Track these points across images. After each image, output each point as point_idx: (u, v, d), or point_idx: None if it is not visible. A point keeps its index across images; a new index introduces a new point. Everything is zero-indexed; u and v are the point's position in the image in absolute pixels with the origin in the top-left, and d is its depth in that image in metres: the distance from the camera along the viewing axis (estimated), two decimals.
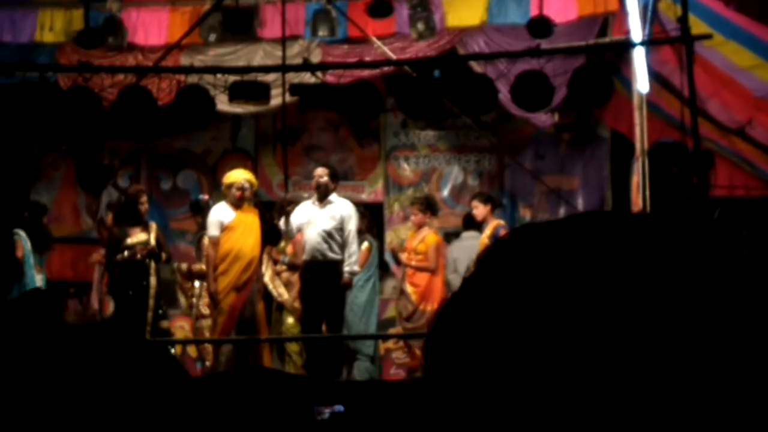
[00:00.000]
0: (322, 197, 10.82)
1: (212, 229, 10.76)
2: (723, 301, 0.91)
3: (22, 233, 11.22)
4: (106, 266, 10.91)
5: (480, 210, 11.31)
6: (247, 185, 10.85)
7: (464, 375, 0.93)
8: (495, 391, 0.90)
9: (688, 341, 0.88)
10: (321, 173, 10.92)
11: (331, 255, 10.63)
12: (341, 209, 10.76)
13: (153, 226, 10.86)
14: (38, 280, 11.17)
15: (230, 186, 10.87)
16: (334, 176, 10.98)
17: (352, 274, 10.72)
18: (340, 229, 10.67)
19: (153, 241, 10.67)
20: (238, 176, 11.00)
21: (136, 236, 10.66)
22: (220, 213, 10.80)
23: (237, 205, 10.80)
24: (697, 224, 0.97)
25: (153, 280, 10.63)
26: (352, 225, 10.72)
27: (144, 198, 10.92)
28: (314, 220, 10.71)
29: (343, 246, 10.64)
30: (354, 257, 10.73)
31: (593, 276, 0.90)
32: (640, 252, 0.92)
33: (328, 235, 10.64)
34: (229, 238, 10.70)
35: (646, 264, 0.91)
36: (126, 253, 10.57)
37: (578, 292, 0.90)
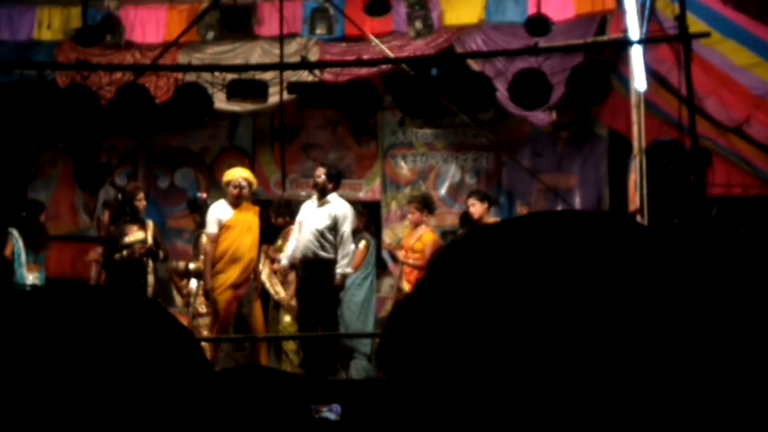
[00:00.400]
0: (320, 196, 10.80)
1: (211, 227, 10.76)
2: (661, 301, 0.91)
3: (14, 232, 11.22)
4: (104, 265, 10.91)
5: (476, 208, 11.29)
6: (244, 183, 10.84)
7: (410, 376, 0.93)
8: (438, 391, 0.91)
9: (628, 342, 0.88)
10: (319, 173, 10.90)
11: (322, 254, 10.58)
12: (336, 209, 10.71)
13: (150, 224, 10.86)
14: (33, 278, 11.17)
15: (228, 183, 10.87)
16: (332, 176, 10.91)
17: (344, 275, 10.68)
18: (334, 229, 10.62)
19: (150, 240, 10.67)
20: (236, 174, 10.99)
21: (134, 234, 10.66)
22: (219, 211, 10.80)
23: (235, 203, 10.79)
24: (650, 226, 0.98)
25: (151, 279, 10.65)
26: (346, 226, 10.66)
27: (141, 195, 10.91)
28: (310, 218, 10.69)
29: (336, 246, 10.62)
30: (346, 259, 10.68)
31: (538, 278, 0.91)
32: (584, 253, 0.92)
33: (321, 235, 10.59)
34: (226, 237, 10.71)
35: (589, 265, 0.91)
36: (124, 252, 10.58)
37: (523, 293, 0.90)
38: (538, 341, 0.89)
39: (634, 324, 0.89)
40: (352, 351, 11.55)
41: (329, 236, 10.60)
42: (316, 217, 10.67)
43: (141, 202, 10.84)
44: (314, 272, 10.58)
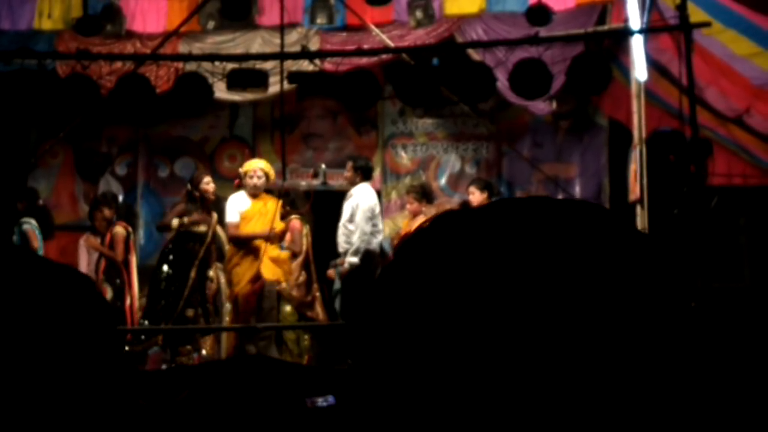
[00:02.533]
0: (348, 190, 10.96)
1: (231, 216, 10.73)
2: (624, 292, 0.90)
3: (33, 222, 11.20)
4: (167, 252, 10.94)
5: (476, 196, 11.25)
6: (261, 173, 10.80)
7: (375, 363, 0.93)
8: (396, 379, 0.91)
9: (593, 336, 0.88)
10: (347, 167, 11.11)
11: (346, 247, 10.76)
12: (354, 201, 10.83)
13: (215, 216, 10.91)
14: None
15: (245, 174, 10.87)
16: (358, 168, 11.01)
17: (350, 264, 10.74)
18: (352, 221, 10.74)
19: (210, 235, 10.78)
20: (253, 165, 11.01)
21: (200, 226, 10.80)
22: (238, 201, 10.79)
23: (253, 194, 10.78)
24: (618, 216, 0.97)
25: (193, 272, 10.69)
26: (357, 216, 10.71)
27: (208, 179, 11.02)
28: (343, 212, 10.86)
29: None
30: (352, 248, 10.75)
31: (503, 265, 0.90)
32: (551, 241, 0.91)
33: (344, 227, 10.78)
34: (243, 228, 10.71)
35: (556, 254, 0.90)
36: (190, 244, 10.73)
37: (485, 281, 0.89)
38: (494, 330, 0.88)
39: (597, 312, 0.88)
40: None
41: (350, 228, 10.69)
42: (344, 210, 10.86)
43: (209, 186, 10.91)
44: (349, 264, 10.80)
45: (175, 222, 10.85)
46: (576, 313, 0.88)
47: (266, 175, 10.89)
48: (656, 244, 0.94)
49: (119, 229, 11.13)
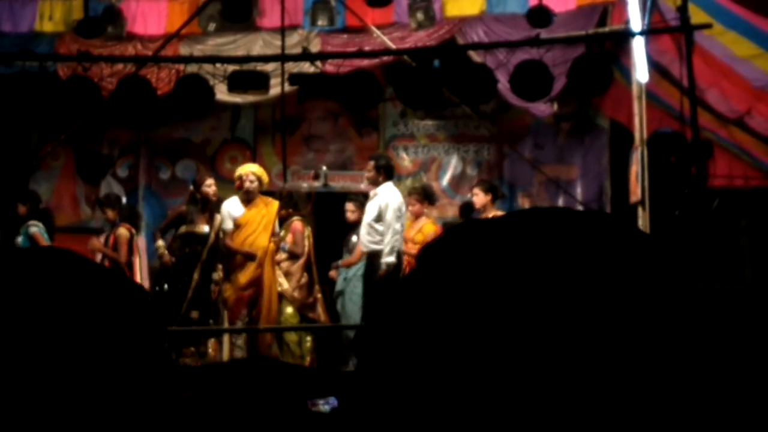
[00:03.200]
0: (372, 189, 10.87)
1: (226, 223, 10.72)
2: (642, 302, 0.91)
3: (40, 225, 11.21)
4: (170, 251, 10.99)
5: (480, 198, 11.24)
6: (252, 178, 10.71)
7: (385, 368, 0.94)
8: (415, 386, 0.91)
9: (613, 340, 0.88)
10: (369, 167, 10.95)
11: (373, 246, 10.57)
12: (381, 200, 10.62)
13: (217, 217, 10.90)
14: None
15: (238, 179, 10.81)
16: (381, 167, 10.82)
17: (387, 265, 10.56)
18: (380, 220, 10.59)
19: (213, 236, 10.78)
20: (244, 170, 10.92)
21: (201, 226, 10.82)
22: (231, 207, 10.72)
23: (246, 199, 10.71)
24: (635, 227, 0.97)
25: (196, 274, 10.70)
26: (388, 215, 10.52)
27: (210, 181, 11.09)
28: (366, 212, 10.75)
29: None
30: (388, 248, 10.56)
31: (527, 276, 0.90)
32: (570, 253, 0.92)
33: (370, 227, 10.59)
34: (238, 235, 10.65)
35: (575, 265, 0.91)
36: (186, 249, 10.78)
37: (510, 291, 0.90)
38: (519, 339, 0.88)
39: (620, 323, 0.89)
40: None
41: (378, 227, 10.57)
42: (368, 210, 10.68)
43: (211, 188, 10.95)
44: (369, 263, 10.64)
45: (160, 243, 10.99)
46: (591, 323, 0.88)
47: (259, 179, 10.79)
48: (669, 256, 0.94)
49: (122, 231, 11.13)
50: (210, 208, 10.91)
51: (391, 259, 10.54)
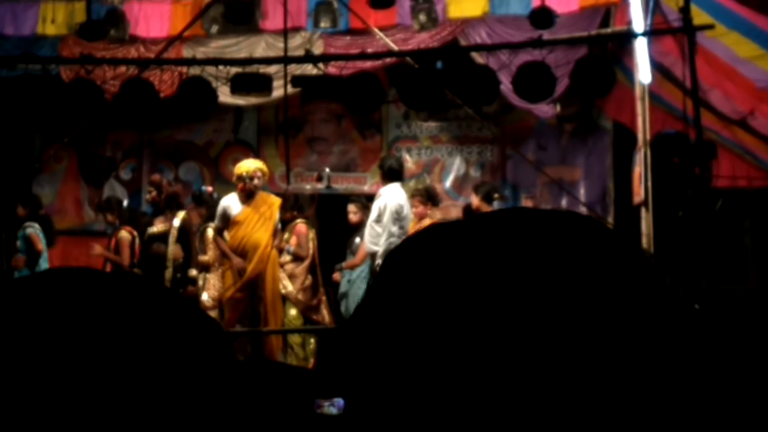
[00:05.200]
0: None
1: (216, 221, 10.73)
2: (612, 302, 0.90)
3: (36, 226, 11.22)
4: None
5: (474, 200, 11.23)
6: (254, 174, 10.69)
7: (354, 382, 0.93)
8: (383, 392, 0.91)
9: (584, 345, 0.87)
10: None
11: (373, 247, 10.54)
12: (381, 201, 10.59)
13: (179, 215, 10.93)
14: None
15: (238, 176, 10.78)
16: (382, 169, 10.85)
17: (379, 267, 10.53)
18: (380, 221, 10.57)
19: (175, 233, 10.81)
20: (243, 167, 10.89)
21: (157, 226, 10.87)
22: (228, 205, 10.70)
23: (245, 195, 10.68)
24: (605, 226, 0.96)
25: (168, 273, 10.72)
26: (385, 217, 10.48)
27: (149, 188, 11.12)
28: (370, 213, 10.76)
29: None
30: (380, 250, 10.52)
31: (491, 278, 0.89)
32: (539, 253, 0.91)
33: (371, 227, 10.55)
34: (235, 233, 10.63)
35: (546, 266, 0.90)
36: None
37: (473, 294, 0.89)
38: (483, 343, 0.88)
39: (588, 325, 0.88)
40: None
41: (377, 229, 10.55)
42: (372, 210, 10.67)
43: (149, 194, 10.99)
44: (371, 264, 10.65)
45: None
46: (553, 322, 0.87)
47: (260, 175, 10.75)
48: (632, 250, 0.93)
49: (124, 234, 11.14)
50: (165, 208, 10.91)
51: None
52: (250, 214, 10.65)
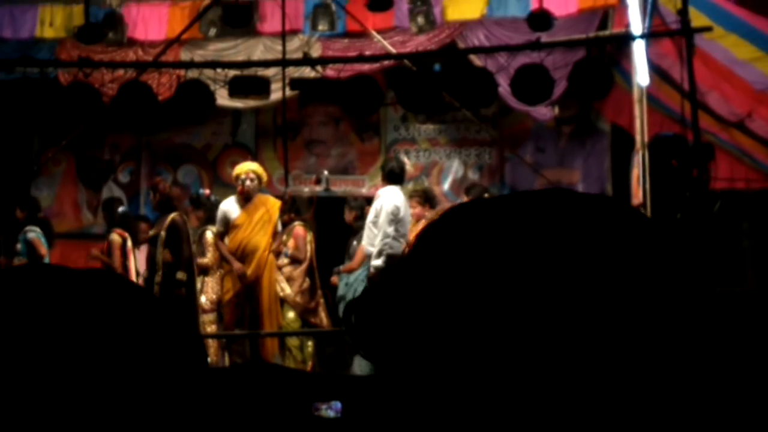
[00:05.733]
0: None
1: (217, 225, 10.72)
2: (643, 291, 0.89)
3: (38, 230, 11.20)
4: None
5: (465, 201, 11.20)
6: (252, 176, 10.67)
7: (384, 359, 0.93)
8: (408, 375, 0.90)
9: (613, 331, 0.87)
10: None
11: (370, 249, 10.51)
12: (378, 203, 10.56)
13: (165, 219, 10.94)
14: None
15: (235, 179, 10.77)
16: (382, 170, 10.87)
17: (375, 268, 10.52)
18: (377, 223, 10.53)
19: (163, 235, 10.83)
20: (237, 169, 10.88)
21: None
22: (227, 208, 10.69)
23: (244, 198, 10.67)
24: (633, 211, 0.95)
25: (158, 276, 10.73)
26: (381, 218, 10.43)
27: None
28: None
29: None
30: (375, 251, 10.50)
31: (518, 258, 0.89)
32: (569, 234, 0.90)
33: (369, 229, 10.51)
34: (234, 236, 10.62)
35: (574, 247, 0.89)
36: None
37: (502, 275, 0.88)
38: (512, 326, 0.87)
39: (620, 310, 0.87)
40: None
41: (374, 230, 10.52)
42: (370, 211, 10.64)
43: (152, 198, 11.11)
44: (368, 266, 10.62)
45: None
46: (588, 308, 0.87)
47: (258, 177, 10.74)
48: (673, 241, 0.93)
49: (114, 237, 11.14)
50: (159, 210, 10.92)
51: (378, 262, 10.51)
52: (249, 218, 10.65)
